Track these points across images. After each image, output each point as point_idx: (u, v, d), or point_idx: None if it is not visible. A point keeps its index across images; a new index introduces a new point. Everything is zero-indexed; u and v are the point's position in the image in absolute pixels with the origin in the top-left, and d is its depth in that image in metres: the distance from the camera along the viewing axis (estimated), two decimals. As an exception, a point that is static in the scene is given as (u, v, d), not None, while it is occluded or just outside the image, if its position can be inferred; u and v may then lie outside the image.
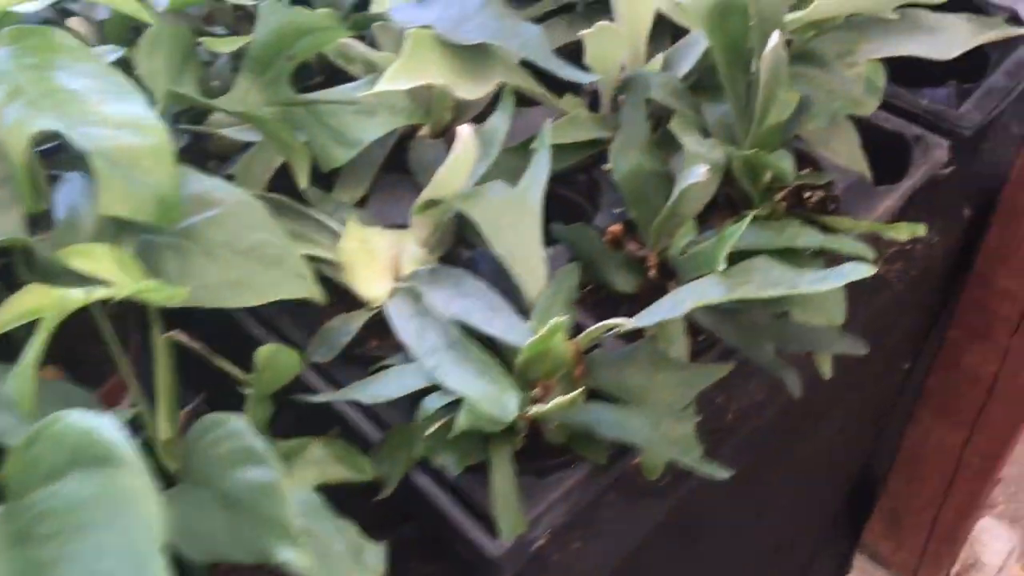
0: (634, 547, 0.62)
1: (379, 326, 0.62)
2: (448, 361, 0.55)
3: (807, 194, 0.73)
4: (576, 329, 0.61)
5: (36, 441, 0.37)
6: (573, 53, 0.85)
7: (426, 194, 0.61)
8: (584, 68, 0.68)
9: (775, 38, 0.60)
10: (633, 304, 0.66)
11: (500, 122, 0.64)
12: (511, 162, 0.69)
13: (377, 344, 0.63)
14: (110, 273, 0.49)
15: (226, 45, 0.69)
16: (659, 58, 0.71)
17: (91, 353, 0.59)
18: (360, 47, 0.69)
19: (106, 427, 0.36)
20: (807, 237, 0.58)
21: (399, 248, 0.65)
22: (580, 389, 0.51)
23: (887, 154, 0.79)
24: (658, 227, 0.63)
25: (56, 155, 0.60)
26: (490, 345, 0.56)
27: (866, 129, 0.72)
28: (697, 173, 0.58)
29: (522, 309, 0.59)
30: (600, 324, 0.54)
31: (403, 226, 0.66)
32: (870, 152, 0.72)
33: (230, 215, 0.57)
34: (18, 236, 0.54)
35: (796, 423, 0.80)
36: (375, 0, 0.75)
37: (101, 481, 0.35)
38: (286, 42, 0.68)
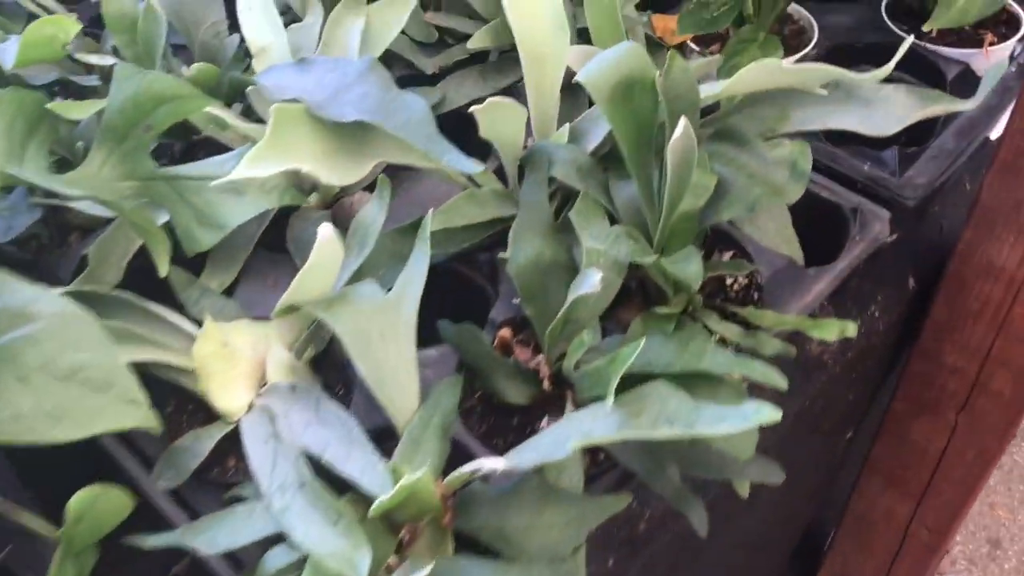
0: None
1: (239, 441, 0.55)
2: (298, 505, 0.48)
3: (730, 280, 0.66)
4: (457, 451, 0.55)
5: None
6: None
7: (285, 299, 0.53)
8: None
9: (682, 126, 0.53)
10: (527, 415, 0.59)
11: (375, 213, 0.56)
12: (398, 245, 0.62)
13: (235, 465, 0.56)
14: None
15: (78, 111, 0.62)
16: (565, 128, 0.64)
17: None
18: (230, 117, 0.61)
19: None
20: (713, 357, 0.51)
21: (263, 351, 0.57)
22: (431, 565, 0.44)
23: (823, 225, 0.72)
24: (553, 333, 0.56)
25: None
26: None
27: (801, 197, 0.65)
28: (590, 283, 0.51)
29: (391, 435, 0.52)
30: (466, 469, 0.47)
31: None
32: (805, 222, 0.65)
33: (49, 332, 0.49)
34: None
35: (728, 508, 0.74)
36: (257, 56, 0.68)
37: None
38: (143, 111, 0.60)
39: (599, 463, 0.57)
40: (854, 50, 0.83)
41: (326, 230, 0.51)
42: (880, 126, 0.62)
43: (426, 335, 0.59)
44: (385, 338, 0.52)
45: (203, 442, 0.55)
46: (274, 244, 0.66)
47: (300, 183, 0.66)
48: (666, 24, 0.79)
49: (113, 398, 0.49)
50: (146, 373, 0.58)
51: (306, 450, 0.50)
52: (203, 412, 0.58)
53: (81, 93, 0.71)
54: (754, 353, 0.61)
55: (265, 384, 0.57)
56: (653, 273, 0.59)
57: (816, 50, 0.82)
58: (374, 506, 0.45)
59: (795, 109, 0.61)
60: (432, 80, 0.77)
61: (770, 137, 0.60)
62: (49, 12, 0.75)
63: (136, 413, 0.50)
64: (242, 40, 0.69)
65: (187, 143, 0.73)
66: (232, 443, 0.55)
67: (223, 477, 0.56)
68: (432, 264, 0.57)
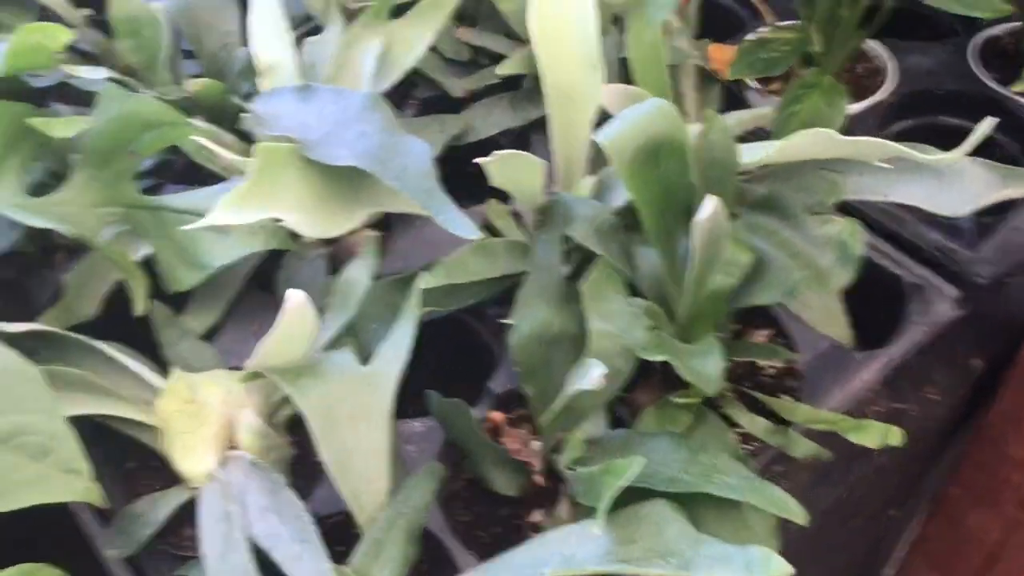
0: None
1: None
2: (239, 607, 0.43)
3: (763, 362, 0.59)
4: (432, 550, 0.49)
5: None
6: (520, 138, 0.71)
7: (250, 365, 0.48)
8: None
9: (711, 207, 0.46)
10: (518, 504, 0.53)
11: (360, 274, 0.51)
12: (395, 297, 0.56)
13: (191, 536, 0.51)
14: None
15: (62, 128, 0.57)
16: (589, 181, 0.57)
17: None
18: (217, 147, 0.56)
19: None
20: (724, 479, 0.44)
21: (235, 406, 0.52)
22: None
23: (878, 297, 0.64)
24: (549, 420, 0.50)
25: None
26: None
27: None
28: (591, 378, 0.45)
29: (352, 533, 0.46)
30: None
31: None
32: (857, 293, 0.57)
33: (-14, 390, 0.45)
34: None
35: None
36: (264, 73, 0.62)
37: None
38: (128, 135, 0.55)
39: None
40: (935, 97, 0.74)
41: (295, 297, 0.46)
42: (950, 205, 0.54)
43: (417, 392, 0.53)
44: (355, 420, 0.46)
45: (159, 509, 0.51)
46: (267, 283, 0.61)
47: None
48: (724, 55, 0.71)
49: (51, 466, 0.45)
50: (106, 426, 0.54)
51: (257, 541, 0.45)
52: (168, 469, 0.53)
53: (82, 99, 0.67)
54: (782, 455, 0.54)
55: (234, 446, 0.52)
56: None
57: (891, 95, 0.73)
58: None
59: (851, 178, 0.53)
60: (459, 104, 0.71)
61: (818, 211, 0.53)
62: (50, 14, 0.70)
63: (76, 485, 0.45)
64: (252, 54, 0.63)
65: (189, 160, 0.68)
66: (191, 510, 0.51)
67: (177, 547, 0.51)
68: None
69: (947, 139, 0.55)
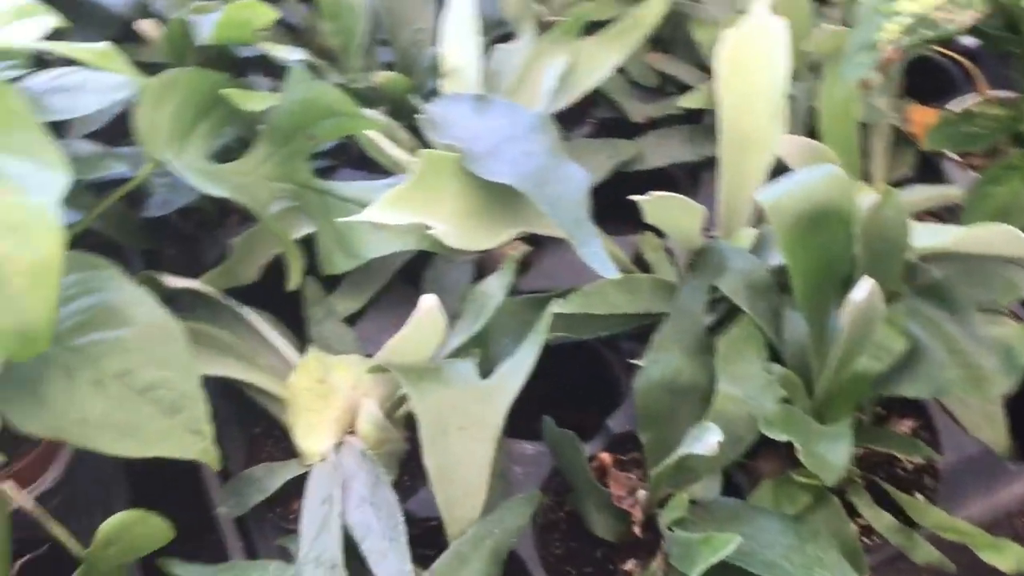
0: None
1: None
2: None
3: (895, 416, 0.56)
4: (515, 570, 0.49)
5: None
6: (692, 172, 0.70)
7: (379, 357, 0.49)
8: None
9: (866, 287, 0.43)
10: (613, 549, 0.52)
11: (496, 288, 0.51)
12: (529, 314, 0.56)
13: (297, 509, 0.53)
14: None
15: (253, 101, 0.60)
16: (751, 233, 0.55)
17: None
18: (385, 143, 0.57)
19: None
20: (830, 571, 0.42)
21: (362, 393, 0.54)
22: None
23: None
24: (661, 475, 0.48)
25: None
26: None
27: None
28: (705, 443, 0.43)
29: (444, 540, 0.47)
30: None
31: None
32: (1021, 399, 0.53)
33: (136, 342, 0.48)
34: None
35: None
36: (448, 75, 0.63)
37: None
38: (309, 119, 0.57)
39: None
40: None
41: (427, 302, 0.46)
42: None
43: (537, 413, 0.53)
44: (464, 430, 0.47)
45: (273, 479, 0.53)
46: (415, 279, 0.62)
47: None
48: (925, 118, 0.67)
49: (179, 424, 0.47)
50: (241, 389, 0.57)
51: (350, 529, 0.46)
52: (288, 441, 0.55)
53: (280, 73, 0.70)
54: (901, 556, 0.51)
55: (353, 431, 0.54)
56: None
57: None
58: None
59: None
60: (636, 129, 0.70)
61: (990, 310, 0.49)
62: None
63: (197, 445, 0.48)
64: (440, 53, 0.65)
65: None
66: (302, 485, 0.52)
67: (284, 518, 0.53)
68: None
69: None
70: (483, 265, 0.62)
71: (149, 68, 0.69)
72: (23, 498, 0.44)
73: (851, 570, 0.42)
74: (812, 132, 0.62)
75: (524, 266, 0.64)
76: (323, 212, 0.58)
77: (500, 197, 0.52)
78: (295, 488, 0.53)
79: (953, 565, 0.50)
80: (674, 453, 0.47)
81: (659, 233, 0.61)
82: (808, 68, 0.66)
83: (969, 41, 0.74)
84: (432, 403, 0.47)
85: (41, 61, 0.59)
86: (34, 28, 0.51)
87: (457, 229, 0.51)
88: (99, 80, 0.58)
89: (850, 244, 0.47)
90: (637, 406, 0.51)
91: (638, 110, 0.71)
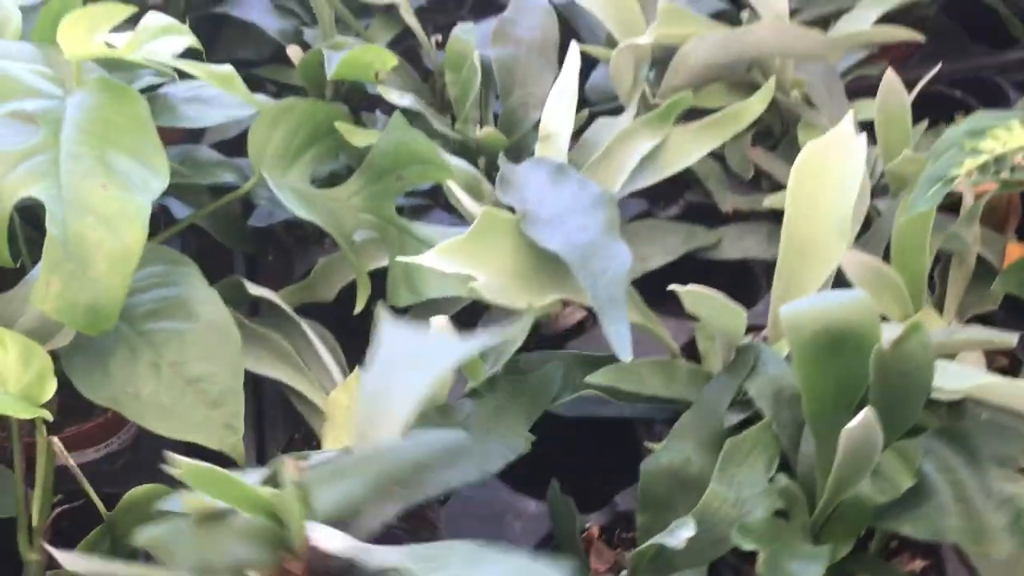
0: None
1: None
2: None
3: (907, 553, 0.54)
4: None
5: None
6: (769, 269, 0.70)
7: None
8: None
9: (863, 417, 0.44)
10: (591, 621, 0.53)
11: (515, 334, 0.54)
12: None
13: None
14: (4, 365, 0.48)
15: (358, 138, 0.65)
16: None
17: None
18: (461, 194, 0.61)
19: None
20: None
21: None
22: None
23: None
24: (639, 562, 0.49)
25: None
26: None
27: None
28: (678, 537, 0.44)
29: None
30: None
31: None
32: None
33: (196, 336, 0.53)
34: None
35: None
36: (542, 140, 0.67)
37: None
38: (399, 161, 0.62)
39: None
40: None
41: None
42: None
43: (556, 476, 0.56)
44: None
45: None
46: (471, 322, 0.65)
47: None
48: (1016, 255, 0.65)
49: (217, 417, 0.52)
50: (288, 398, 0.62)
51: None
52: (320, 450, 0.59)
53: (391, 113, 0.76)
54: None
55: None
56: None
57: None
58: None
59: None
60: (718, 220, 0.71)
61: (1008, 465, 0.48)
62: (408, 31, 0.80)
63: (228, 439, 0.53)
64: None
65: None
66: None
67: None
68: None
69: None
70: (539, 322, 0.65)
71: (293, 90, 0.76)
72: (64, 454, 0.49)
73: None
74: (887, 249, 0.62)
75: (579, 331, 0.66)
76: (399, 248, 0.63)
77: (548, 263, 0.55)
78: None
79: None
80: (650, 543, 0.48)
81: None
82: (898, 186, 0.66)
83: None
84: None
85: (183, 74, 0.66)
86: (174, 44, 0.58)
87: (500, 285, 0.54)
88: (227, 98, 0.65)
89: (865, 374, 0.47)
90: (640, 487, 0.52)
91: (727, 200, 0.72)
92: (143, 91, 0.62)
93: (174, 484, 0.51)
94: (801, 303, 0.47)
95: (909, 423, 0.48)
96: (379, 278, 0.63)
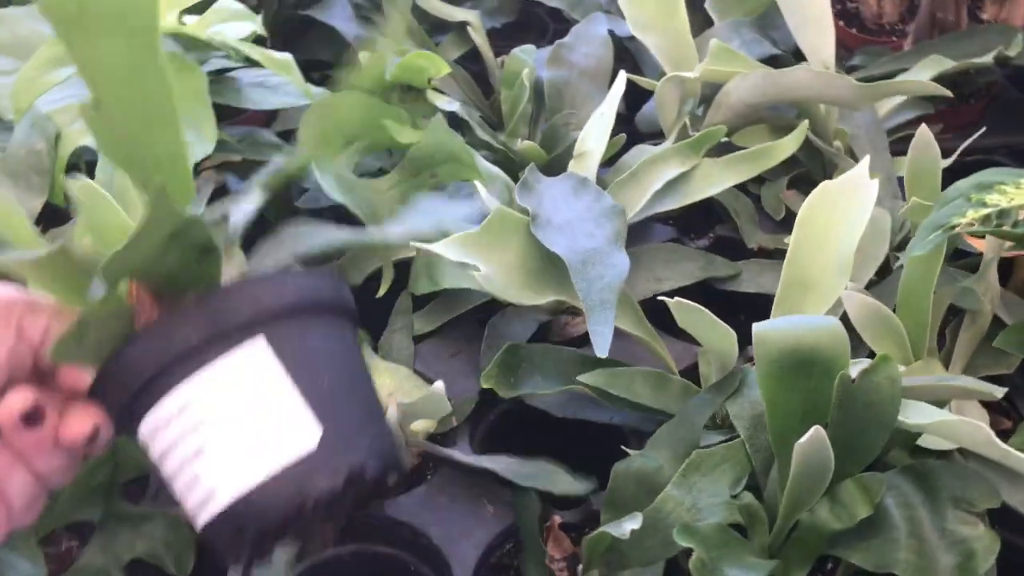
0: None
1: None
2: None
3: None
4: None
5: None
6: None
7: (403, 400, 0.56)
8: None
9: (813, 434, 0.45)
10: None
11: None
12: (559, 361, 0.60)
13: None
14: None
15: (403, 135, 0.69)
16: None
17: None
18: (485, 194, 0.65)
19: None
20: None
21: (389, 403, 0.61)
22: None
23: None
24: (591, 549, 0.51)
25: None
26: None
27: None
28: (622, 528, 0.46)
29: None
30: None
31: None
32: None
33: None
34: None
35: None
36: (577, 157, 0.70)
37: None
38: (435, 159, 0.66)
39: None
40: None
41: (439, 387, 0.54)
42: None
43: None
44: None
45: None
46: (486, 319, 0.68)
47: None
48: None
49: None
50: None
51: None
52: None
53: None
54: None
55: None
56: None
57: None
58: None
59: (1011, 492, 0.48)
60: (745, 255, 0.73)
61: (966, 509, 0.48)
62: (475, 48, 0.84)
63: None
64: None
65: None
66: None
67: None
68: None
69: None
70: (548, 328, 0.68)
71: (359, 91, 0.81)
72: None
73: None
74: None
75: (586, 339, 0.68)
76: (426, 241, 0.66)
77: (551, 264, 0.57)
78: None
79: None
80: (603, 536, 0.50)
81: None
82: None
83: None
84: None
85: (250, 60, 0.72)
86: (241, 29, 0.63)
87: (502, 278, 0.57)
88: (289, 87, 0.70)
89: (829, 398, 0.48)
90: (609, 487, 0.54)
91: (754, 236, 0.73)
92: (213, 73, 0.68)
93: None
94: (774, 322, 0.49)
95: (872, 453, 0.49)
96: (401, 269, 0.67)
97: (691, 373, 0.64)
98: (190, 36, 0.63)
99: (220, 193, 0.77)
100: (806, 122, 0.69)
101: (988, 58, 0.80)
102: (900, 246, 0.70)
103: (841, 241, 0.58)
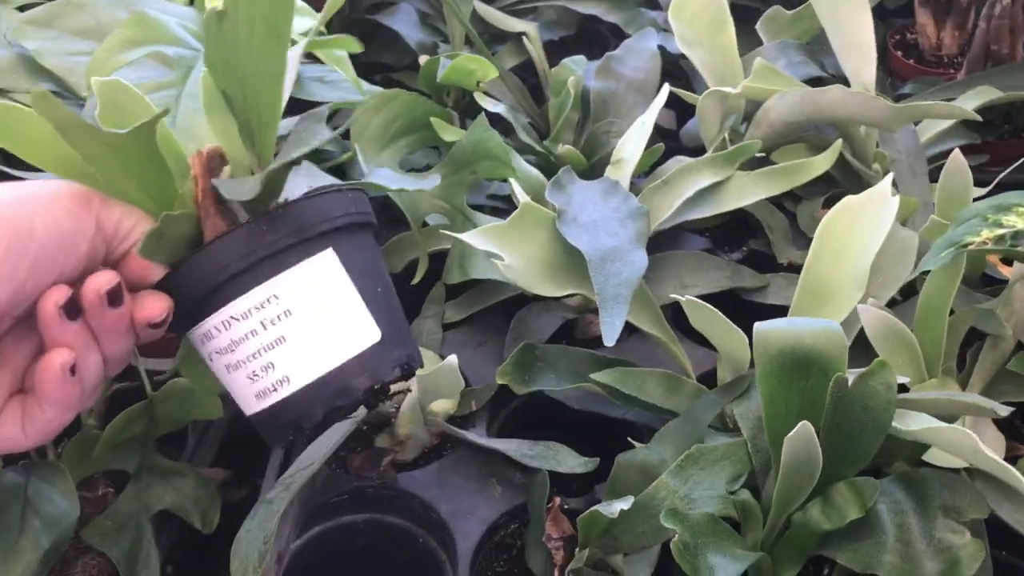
0: None
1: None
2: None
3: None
4: None
5: None
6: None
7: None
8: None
9: (801, 429, 0.46)
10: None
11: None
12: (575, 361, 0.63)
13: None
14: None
15: (447, 134, 0.73)
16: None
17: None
18: (518, 191, 0.67)
19: None
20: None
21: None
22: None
23: None
24: (586, 529, 0.53)
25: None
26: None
27: None
28: (611, 508, 0.48)
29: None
30: None
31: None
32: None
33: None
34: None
35: None
36: (614, 163, 0.72)
37: None
38: (475, 157, 0.69)
39: None
40: None
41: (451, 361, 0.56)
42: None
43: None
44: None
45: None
46: (514, 312, 0.71)
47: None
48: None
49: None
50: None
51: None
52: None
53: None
54: None
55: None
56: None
57: None
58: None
59: (1003, 506, 0.48)
60: (776, 270, 0.74)
61: (954, 517, 0.48)
62: (529, 56, 0.87)
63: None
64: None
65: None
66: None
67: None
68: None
69: None
70: (572, 324, 0.70)
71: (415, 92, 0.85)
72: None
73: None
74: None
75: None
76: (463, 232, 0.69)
77: (574, 259, 0.60)
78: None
79: None
80: (599, 517, 0.52)
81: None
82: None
83: None
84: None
85: (309, 56, 0.76)
86: (301, 24, 0.67)
87: (525, 269, 0.59)
88: (347, 84, 0.74)
89: (824, 400, 0.49)
90: (611, 476, 0.56)
91: (785, 252, 0.75)
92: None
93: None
94: (775, 322, 0.50)
95: (866, 457, 0.50)
96: (437, 260, 0.70)
97: (710, 378, 0.66)
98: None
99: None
100: (839, 141, 0.70)
101: (1039, 91, 0.80)
102: (929, 269, 0.70)
103: (859, 254, 0.59)
